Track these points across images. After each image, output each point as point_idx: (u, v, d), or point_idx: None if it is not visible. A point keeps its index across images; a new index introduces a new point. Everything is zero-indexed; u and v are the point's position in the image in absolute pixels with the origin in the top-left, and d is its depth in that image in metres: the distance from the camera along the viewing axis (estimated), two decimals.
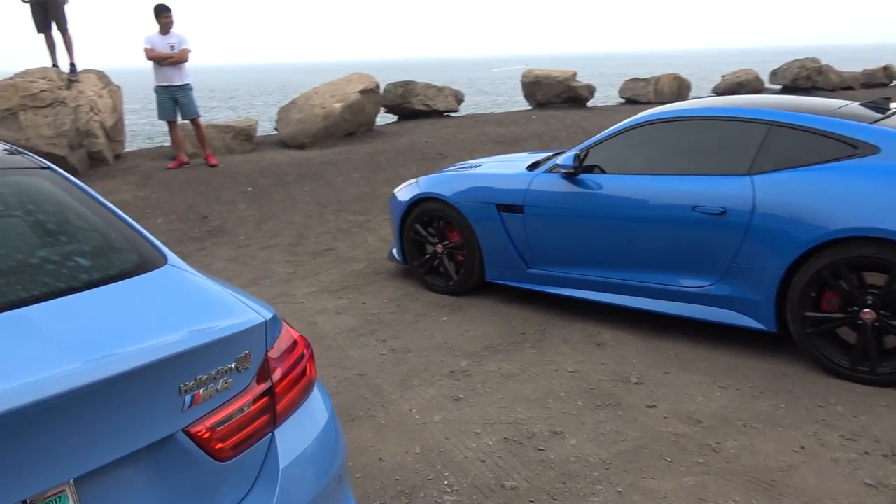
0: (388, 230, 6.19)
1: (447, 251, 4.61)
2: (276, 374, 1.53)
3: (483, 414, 2.99)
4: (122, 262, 1.66)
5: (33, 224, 1.78)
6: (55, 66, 7.93)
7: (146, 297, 1.52)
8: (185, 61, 7.62)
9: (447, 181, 4.60)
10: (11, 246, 1.63)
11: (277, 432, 1.51)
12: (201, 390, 1.32)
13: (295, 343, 1.65)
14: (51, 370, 1.16)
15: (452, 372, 3.43)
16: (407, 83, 11.37)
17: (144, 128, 19.98)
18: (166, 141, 8.71)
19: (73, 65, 7.94)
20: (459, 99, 12.02)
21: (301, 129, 9.17)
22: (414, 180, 4.89)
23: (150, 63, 7.54)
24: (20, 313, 1.33)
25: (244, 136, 8.79)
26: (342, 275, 5.23)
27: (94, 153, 7.73)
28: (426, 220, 4.70)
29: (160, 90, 7.73)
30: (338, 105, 9.30)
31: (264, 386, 1.48)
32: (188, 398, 1.30)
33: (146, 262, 1.66)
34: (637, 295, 3.76)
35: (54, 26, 7.74)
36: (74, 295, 1.44)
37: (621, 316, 3.97)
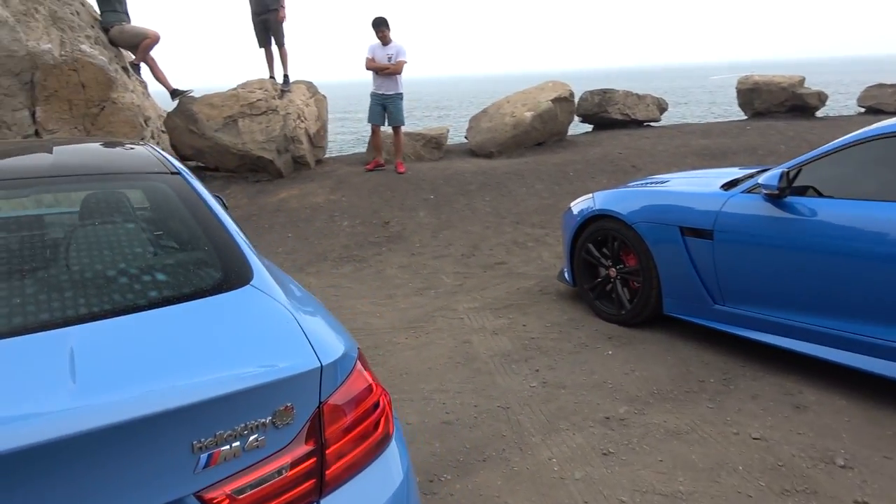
0: None
1: (621, 276, 4.12)
2: (333, 430, 1.27)
3: (634, 478, 2.52)
4: (200, 280, 1.53)
5: (133, 233, 1.73)
6: (271, 77, 8.63)
7: (197, 327, 1.35)
8: (399, 73, 7.85)
9: (625, 198, 4.11)
10: (97, 255, 1.57)
11: (325, 503, 1.25)
12: (222, 449, 1.11)
13: (369, 390, 1.39)
14: (43, 411, 1.00)
15: (607, 418, 2.98)
16: (605, 91, 10.80)
17: (347, 136, 21.41)
18: (362, 148, 9.09)
19: (286, 76, 8.59)
20: (662, 108, 11.16)
21: (490, 137, 9.06)
22: (590, 195, 4.46)
23: (367, 74, 8.00)
24: (60, 333, 1.22)
25: (434, 144, 8.90)
26: (508, 291, 4.94)
27: (298, 158, 8.28)
28: (600, 240, 4.25)
29: (374, 96, 8.10)
30: (528, 114, 9.05)
31: (311, 446, 1.24)
32: (203, 457, 1.09)
33: (226, 282, 1.51)
34: (856, 351, 2.99)
35: (273, 42, 8.42)
36: (126, 316, 1.31)
37: (831, 374, 3.21)
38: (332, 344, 1.36)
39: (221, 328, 1.36)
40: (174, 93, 8.06)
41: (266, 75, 8.66)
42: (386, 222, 6.80)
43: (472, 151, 9.20)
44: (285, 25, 8.47)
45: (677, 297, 3.78)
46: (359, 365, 1.41)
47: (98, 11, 7.67)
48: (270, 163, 8.02)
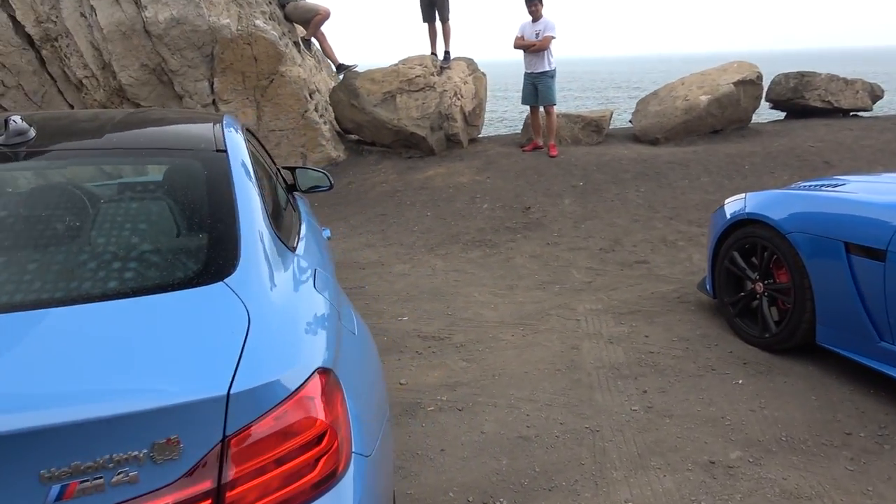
0: None
1: (769, 292, 3.50)
2: (245, 469, 1.07)
3: None
4: (170, 273, 1.41)
5: (133, 214, 1.65)
6: (433, 53, 8.61)
7: (120, 330, 1.21)
8: (545, 48, 7.50)
9: (782, 201, 3.46)
10: (83, 237, 1.50)
11: None
12: (79, 481, 0.95)
13: (310, 421, 1.17)
14: None
15: (712, 463, 2.51)
16: (802, 74, 9.46)
17: (509, 114, 21.02)
18: (518, 129, 8.79)
19: (447, 52, 8.52)
20: (876, 95, 9.55)
21: (656, 122, 8.33)
22: (742, 195, 3.84)
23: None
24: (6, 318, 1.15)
25: (593, 128, 8.37)
26: (641, 295, 4.46)
27: (451, 136, 8.21)
28: (747, 249, 3.65)
29: (525, 76, 7.85)
30: (704, 98, 8.17)
31: (207, 485, 1.04)
32: (54, 490, 0.94)
33: (198, 277, 1.36)
34: None
35: (437, 17, 8.37)
36: (57, 308, 1.21)
37: None
38: (266, 366, 1.15)
39: (145, 335, 1.21)
40: (340, 67, 8.33)
41: (428, 51, 8.65)
42: (527, 208, 6.50)
43: (635, 137, 8.53)
44: (451, 1, 8.38)
45: (835, 327, 3.11)
46: (306, 390, 1.20)
47: None
48: (423, 139, 8.02)
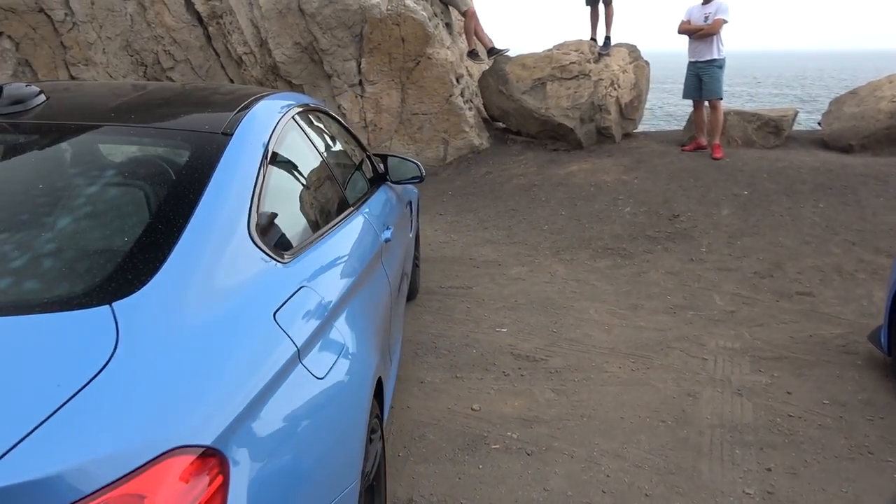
0: None
1: None
2: None
3: None
4: (55, 287, 1.11)
5: (77, 209, 1.39)
6: (592, 39, 7.95)
7: None
8: (714, 33, 6.60)
9: None
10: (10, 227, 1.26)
11: None
12: None
13: None
14: None
15: None
16: None
17: (678, 110, 19.26)
18: (680, 125, 7.90)
19: (608, 38, 7.82)
20: None
21: (851, 126, 7.04)
22: None
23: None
24: None
25: (771, 128, 7.26)
26: (794, 336, 3.67)
27: (602, 129, 7.54)
28: None
29: (689, 66, 7.02)
30: None
31: None
32: None
33: (89, 294, 1.07)
34: None
35: (601, 1, 7.70)
36: None
37: None
38: (68, 446, 0.81)
39: None
40: (491, 51, 7.96)
41: (587, 36, 8.01)
42: (675, 215, 5.74)
43: (823, 142, 7.28)
44: None
45: None
46: (133, 485, 0.84)
47: None
48: (570, 131, 7.44)
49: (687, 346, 3.55)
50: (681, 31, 6.88)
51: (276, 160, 1.79)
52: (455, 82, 7.59)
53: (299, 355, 1.26)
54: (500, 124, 8.27)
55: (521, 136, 7.96)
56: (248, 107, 1.84)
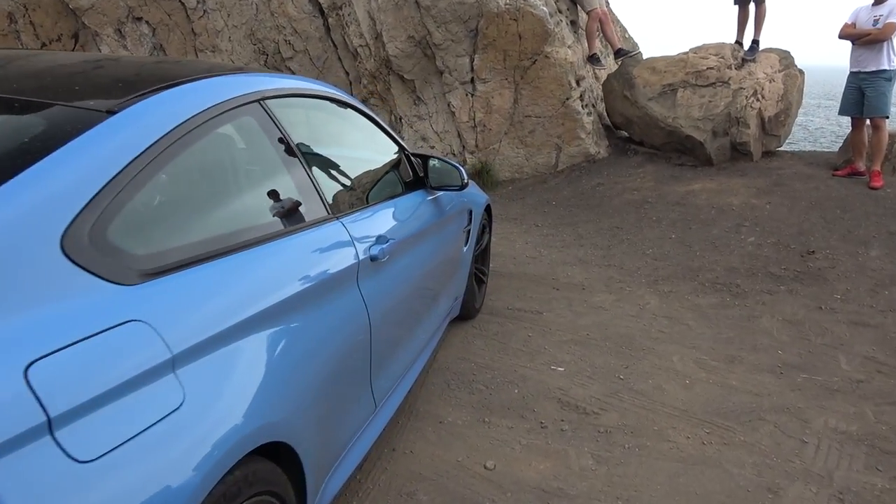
0: None
1: None
2: None
3: None
4: None
5: None
6: (738, 42, 7.03)
7: None
8: (885, 39, 5.53)
9: None
10: None
11: None
12: None
13: None
14: None
15: None
16: None
17: (832, 127, 16.85)
18: (834, 146, 6.76)
19: (755, 42, 6.86)
20: None
21: None
22: None
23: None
24: None
25: None
26: None
27: (738, 144, 6.62)
28: None
29: (850, 77, 6.00)
30: None
31: None
32: None
33: None
34: None
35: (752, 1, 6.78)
36: None
37: None
38: None
39: None
40: (619, 52, 7.28)
41: (732, 39, 7.10)
42: (809, 252, 4.82)
43: None
44: None
45: None
46: None
47: None
48: (700, 145, 6.61)
49: (785, 420, 2.82)
50: (842, 36, 5.84)
51: (190, 152, 1.44)
52: (574, 84, 7.00)
53: (50, 425, 0.89)
54: (623, 133, 7.56)
55: (643, 147, 7.21)
56: (176, 84, 1.51)
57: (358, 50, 7.34)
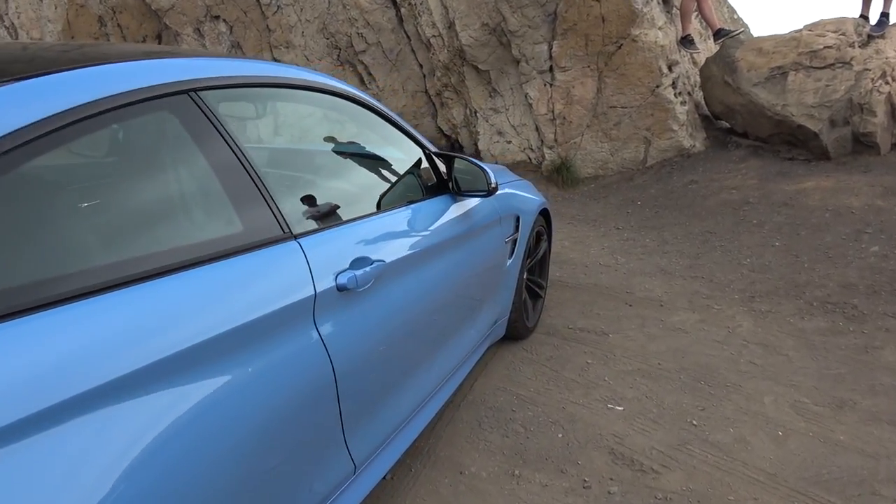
0: None
1: None
2: None
3: None
4: None
5: None
6: (863, 16, 6.06)
7: None
8: None
9: None
10: None
11: None
12: None
13: None
14: None
15: None
16: None
17: None
18: None
19: (885, 15, 5.87)
20: None
21: None
22: None
23: None
24: None
25: None
26: None
27: (862, 135, 5.68)
28: None
29: None
30: None
31: None
32: None
33: None
34: None
35: None
36: None
37: None
38: None
39: None
40: (719, 33, 6.47)
41: (857, 13, 6.13)
42: None
43: None
44: None
45: None
46: None
47: None
48: (814, 136, 5.73)
49: None
50: None
51: (51, 158, 1.08)
52: (666, 70, 6.29)
53: None
54: (724, 124, 6.75)
55: (747, 140, 6.39)
56: (53, 72, 1.16)
57: (431, 41, 6.96)
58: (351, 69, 7.42)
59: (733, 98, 6.27)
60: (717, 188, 5.65)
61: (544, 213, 3.45)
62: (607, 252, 4.78)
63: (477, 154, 7.22)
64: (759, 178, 5.64)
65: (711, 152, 6.44)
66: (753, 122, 6.21)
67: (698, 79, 6.92)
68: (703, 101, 6.87)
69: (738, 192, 5.46)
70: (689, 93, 6.73)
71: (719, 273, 4.26)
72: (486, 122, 7.03)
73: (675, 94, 6.36)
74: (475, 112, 7.06)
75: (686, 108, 6.46)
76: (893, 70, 5.66)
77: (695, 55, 7.08)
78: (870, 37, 5.86)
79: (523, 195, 3.14)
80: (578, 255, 4.74)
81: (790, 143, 6.02)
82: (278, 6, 7.31)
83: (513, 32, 6.41)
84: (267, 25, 7.46)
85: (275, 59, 7.63)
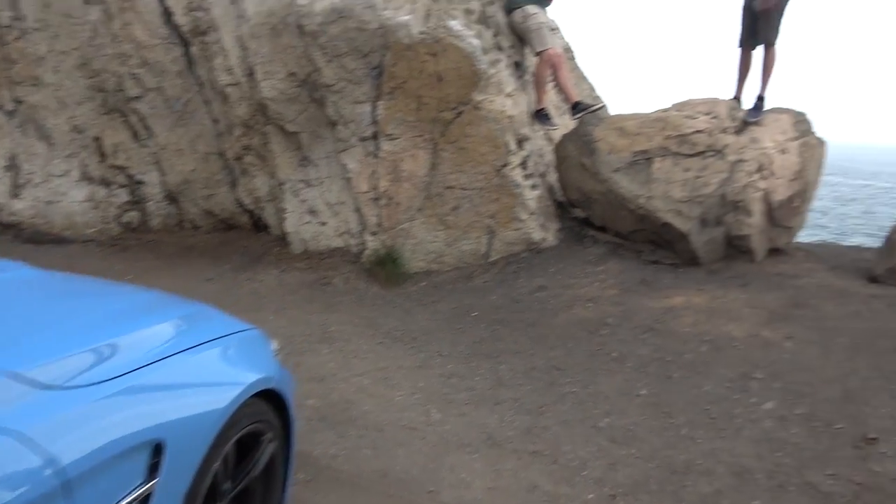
0: None
1: None
2: None
3: None
4: None
5: None
6: (736, 98, 5.27)
7: None
8: None
9: None
10: None
11: None
12: None
13: None
14: None
15: None
16: None
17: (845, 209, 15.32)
18: (870, 240, 4.96)
19: (760, 98, 5.10)
20: None
21: None
22: None
23: None
24: None
25: None
26: None
27: (735, 238, 4.75)
28: None
29: None
30: None
31: None
32: None
33: None
34: None
35: (758, 39, 5.06)
36: None
37: None
38: None
39: None
40: (576, 107, 5.46)
41: (731, 93, 5.34)
42: (868, 439, 2.87)
43: None
44: (785, 18, 4.99)
45: None
46: None
47: None
48: (683, 238, 4.73)
49: None
50: None
51: None
52: (515, 147, 5.15)
53: None
54: (581, 213, 5.68)
55: (606, 235, 5.32)
56: None
57: (227, 90, 5.45)
58: (121, 119, 5.71)
59: (591, 184, 5.22)
60: (569, 299, 4.45)
61: (271, 397, 1.95)
62: (419, 400, 3.36)
63: (283, 238, 5.69)
64: (619, 288, 4.51)
65: (565, 248, 5.30)
66: (614, 215, 5.16)
67: (554, 158, 5.86)
68: (557, 185, 5.79)
69: (594, 307, 4.28)
70: (541, 174, 5.63)
71: (568, 444, 2.94)
72: (296, 197, 5.54)
73: (524, 176, 5.21)
74: (282, 184, 5.57)
75: (537, 192, 5.32)
76: (771, 163, 4.82)
77: (550, 131, 6.04)
78: (745, 122, 5.04)
79: (189, 386, 1.62)
80: (376, 405, 3.28)
81: (655, 242, 5.00)
82: (22, 30, 5.52)
83: (328, 87, 5.03)
84: (7, 54, 5.63)
85: (17, 100, 5.75)
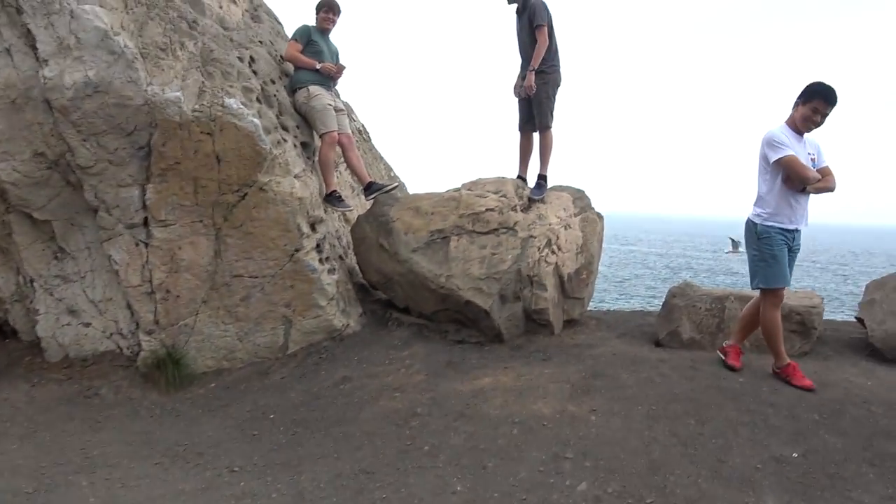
0: None
1: None
2: None
3: None
4: None
5: None
6: (520, 177, 5.48)
7: None
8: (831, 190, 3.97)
9: None
10: None
11: None
12: None
13: None
14: None
15: None
16: None
17: (636, 281, 17.20)
18: (649, 305, 5.30)
19: (542, 177, 5.36)
20: None
21: None
22: None
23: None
24: None
25: (795, 326, 4.66)
26: None
27: (533, 312, 4.81)
28: None
29: (779, 235, 4.09)
30: None
31: None
32: None
33: None
34: None
35: (535, 122, 5.33)
36: None
37: None
38: None
39: None
40: (370, 188, 5.33)
41: (513, 173, 5.54)
42: None
43: (872, 349, 4.71)
44: (557, 105, 5.33)
45: None
46: None
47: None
48: (485, 315, 4.68)
49: None
50: (811, 188, 3.87)
51: None
52: (308, 230, 4.83)
53: None
54: (382, 295, 5.46)
55: (409, 317, 5.14)
56: None
57: None
58: None
59: (391, 266, 5.04)
60: (376, 389, 4.14)
61: None
62: None
63: (37, 344, 4.76)
64: (426, 373, 4.30)
65: (369, 333, 5.02)
66: (416, 296, 5.01)
67: (351, 240, 5.63)
68: (357, 268, 5.55)
69: (402, 397, 4.00)
70: (340, 257, 5.36)
71: None
72: (50, 295, 4.68)
73: (320, 260, 4.89)
74: (31, 281, 4.68)
75: (336, 277, 5.02)
76: (558, 238, 5.01)
77: (346, 213, 5.83)
78: (530, 200, 5.22)
79: None
80: None
81: (459, 321, 4.90)
82: None
83: (85, 169, 4.37)
84: None
85: None
